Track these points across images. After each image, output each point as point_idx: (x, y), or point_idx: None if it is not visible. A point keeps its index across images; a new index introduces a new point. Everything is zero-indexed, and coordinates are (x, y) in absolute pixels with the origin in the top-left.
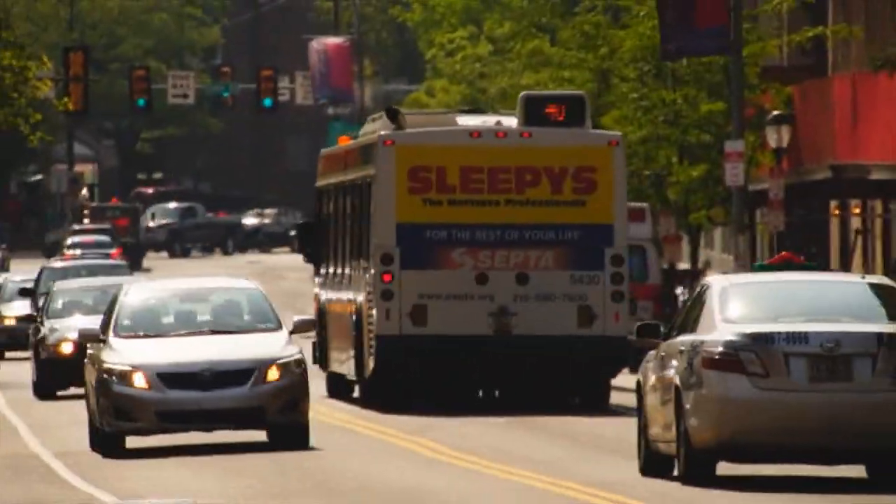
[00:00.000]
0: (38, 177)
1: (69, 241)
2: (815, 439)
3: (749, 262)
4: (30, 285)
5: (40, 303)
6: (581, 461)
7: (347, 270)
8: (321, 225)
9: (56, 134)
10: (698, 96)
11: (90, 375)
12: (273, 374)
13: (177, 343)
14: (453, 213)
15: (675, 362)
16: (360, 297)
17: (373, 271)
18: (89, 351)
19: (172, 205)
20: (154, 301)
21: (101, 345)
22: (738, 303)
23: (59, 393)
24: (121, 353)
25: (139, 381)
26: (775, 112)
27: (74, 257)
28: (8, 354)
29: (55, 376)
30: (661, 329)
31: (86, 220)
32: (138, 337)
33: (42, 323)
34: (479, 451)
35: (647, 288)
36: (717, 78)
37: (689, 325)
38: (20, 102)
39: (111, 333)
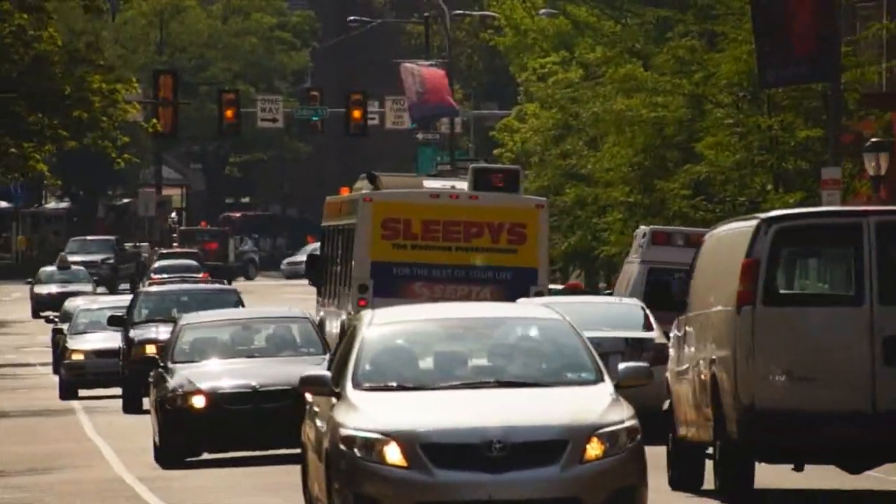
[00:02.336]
0: (126, 200)
1: (156, 265)
2: None
3: None
4: (119, 312)
5: (136, 334)
6: None
7: (337, 294)
8: (322, 258)
9: (144, 158)
10: (795, 122)
11: (314, 441)
12: (594, 448)
13: (447, 400)
14: (415, 255)
15: None
16: (344, 315)
17: (351, 297)
18: (312, 407)
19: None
20: (405, 338)
21: (335, 400)
22: None
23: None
24: (364, 414)
25: (393, 455)
26: (873, 139)
27: (162, 282)
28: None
29: (188, 439)
30: None
31: (174, 245)
32: (388, 389)
33: (167, 370)
34: None
35: None
36: (814, 104)
37: None
38: (108, 126)
39: (348, 384)
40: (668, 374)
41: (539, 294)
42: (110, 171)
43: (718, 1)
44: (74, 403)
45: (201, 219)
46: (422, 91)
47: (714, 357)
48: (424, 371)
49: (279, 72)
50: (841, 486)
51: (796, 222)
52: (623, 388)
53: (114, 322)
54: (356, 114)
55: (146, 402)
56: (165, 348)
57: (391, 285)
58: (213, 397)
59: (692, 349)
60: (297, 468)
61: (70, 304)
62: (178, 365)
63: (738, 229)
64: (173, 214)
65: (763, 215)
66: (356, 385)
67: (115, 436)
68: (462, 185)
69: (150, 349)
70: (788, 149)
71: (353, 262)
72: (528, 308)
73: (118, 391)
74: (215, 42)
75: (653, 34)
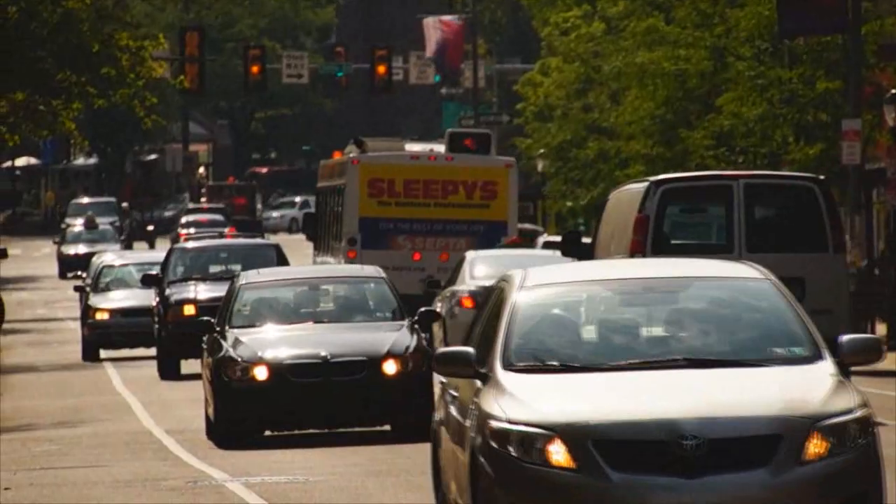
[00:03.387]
0: (153, 156)
1: (183, 220)
2: None
3: (864, 242)
4: (146, 269)
5: (173, 293)
6: None
7: (330, 247)
8: (318, 215)
9: (171, 114)
10: (815, 75)
11: (451, 431)
12: (815, 446)
13: (624, 384)
14: (398, 211)
15: None
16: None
17: (342, 249)
18: (447, 390)
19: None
20: (566, 304)
21: (479, 383)
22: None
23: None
24: (519, 402)
25: (559, 454)
26: (893, 90)
27: (189, 237)
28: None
29: (246, 415)
30: None
31: (203, 199)
32: (548, 371)
33: (223, 335)
34: None
35: None
36: (834, 56)
37: None
38: (137, 84)
39: (497, 363)
40: None
41: (510, 247)
42: (137, 128)
43: None
44: (102, 355)
45: (228, 174)
46: (441, 51)
47: None
48: (593, 346)
49: (304, 28)
50: None
51: (679, 184)
52: (847, 366)
53: (148, 281)
54: (381, 69)
55: (184, 366)
56: (221, 310)
57: (377, 238)
58: (278, 368)
59: None
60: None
61: (96, 260)
62: (235, 330)
63: (634, 190)
64: (201, 170)
65: (652, 178)
66: (507, 364)
67: (143, 390)
68: (440, 148)
69: (189, 309)
70: (808, 101)
71: (343, 218)
72: (723, 266)
73: (144, 352)
74: None
75: None
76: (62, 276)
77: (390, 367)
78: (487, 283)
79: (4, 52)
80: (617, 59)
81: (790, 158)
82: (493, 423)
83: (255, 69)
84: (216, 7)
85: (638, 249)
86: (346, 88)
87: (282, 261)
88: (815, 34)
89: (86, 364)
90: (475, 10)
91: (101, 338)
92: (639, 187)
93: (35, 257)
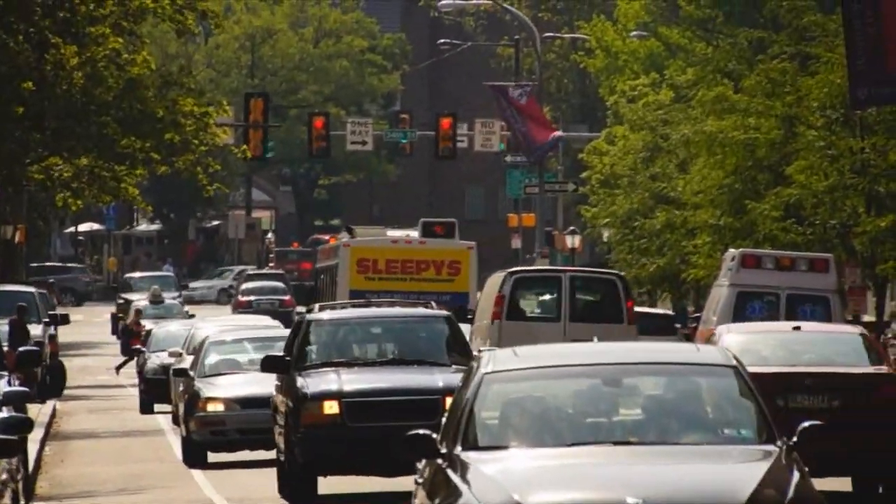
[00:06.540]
0: (216, 222)
1: (243, 286)
2: None
3: None
4: (273, 348)
5: (308, 384)
6: None
7: None
8: (317, 289)
9: (234, 180)
10: (888, 144)
11: None
12: None
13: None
14: (381, 284)
15: None
16: None
17: None
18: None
19: None
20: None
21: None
22: None
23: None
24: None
25: None
26: None
27: (248, 304)
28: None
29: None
30: None
31: (270, 265)
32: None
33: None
34: None
35: None
36: None
37: None
38: (200, 151)
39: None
40: None
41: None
42: (200, 194)
43: (814, 22)
44: (162, 422)
45: (290, 241)
46: (522, 125)
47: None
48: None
49: (369, 94)
50: None
51: (526, 274)
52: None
53: (270, 365)
54: (445, 136)
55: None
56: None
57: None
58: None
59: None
60: None
61: (160, 330)
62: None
63: (497, 276)
64: (269, 235)
65: (509, 269)
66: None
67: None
68: (414, 233)
69: (331, 407)
70: (880, 171)
71: (337, 290)
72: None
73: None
74: (306, 65)
75: (745, 55)
76: (125, 353)
77: None
78: None
79: (70, 118)
80: (685, 128)
81: (860, 230)
82: None
83: (318, 135)
84: (281, 73)
85: (497, 317)
86: (411, 155)
87: (454, 334)
88: (888, 103)
89: (146, 430)
90: (541, 78)
91: (213, 437)
92: (500, 274)
93: (96, 322)
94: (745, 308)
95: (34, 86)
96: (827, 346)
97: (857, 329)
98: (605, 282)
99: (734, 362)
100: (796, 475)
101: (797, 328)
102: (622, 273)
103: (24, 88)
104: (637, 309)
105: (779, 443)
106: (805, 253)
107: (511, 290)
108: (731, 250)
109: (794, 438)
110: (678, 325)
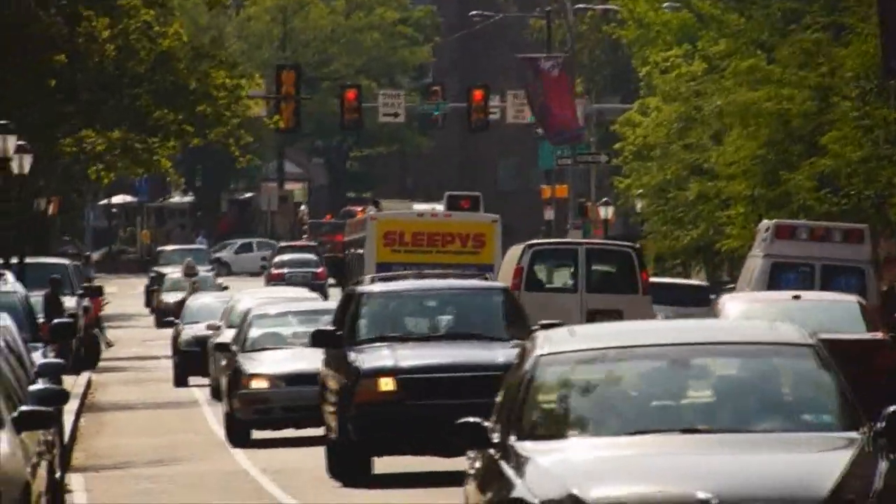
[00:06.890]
0: (249, 195)
1: (276, 259)
2: None
3: None
4: (321, 321)
5: (361, 359)
6: None
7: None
8: (345, 261)
9: (267, 152)
10: None
11: None
12: None
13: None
14: (407, 256)
15: None
16: None
17: None
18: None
19: None
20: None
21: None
22: None
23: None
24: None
25: None
26: None
27: (280, 276)
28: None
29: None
30: None
31: (304, 237)
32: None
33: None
34: None
35: None
36: None
37: None
38: (232, 122)
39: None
40: None
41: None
42: (233, 166)
43: None
44: (197, 394)
45: (323, 213)
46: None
47: None
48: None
49: (401, 67)
50: None
51: (544, 247)
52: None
53: (321, 340)
54: (477, 108)
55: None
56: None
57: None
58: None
59: None
60: None
61: (194, 302)
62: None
63: (516, 248)
64: (303, 207)
65: (528, 242)
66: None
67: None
68: (440, 207)
69: (387, 384)
70: None
71: (364, 263)
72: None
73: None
74: (338, 37)
75: (778, 26)
76: (159, 325)
77: None
78: None
79: (102, 90)
80: (718, 99)
81: (895, 200)
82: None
83: (350, 108)
84: (312, 45)
85: (516, 288)
86: (442, 127)
87: (511, 308)
88: None
89: (180, 402)
90: (573, 49)
91: (258, 415)
92: (518, 247)
93: (131, 295)
94: (779, 279)
95: (66, 58)
96: (825, 313)
97: (854, 297)
98: (620, 254)
99: (812, 341)
100: (883, 465)
101: (797, 297)
102: (637, 245)
103: (56, 61)
104: (670, 280)
105: (863, 429)
106: (839, 223)
107: (529, 262)
108: (765, 221)
109: (882, 423)
110: (713, 297)
